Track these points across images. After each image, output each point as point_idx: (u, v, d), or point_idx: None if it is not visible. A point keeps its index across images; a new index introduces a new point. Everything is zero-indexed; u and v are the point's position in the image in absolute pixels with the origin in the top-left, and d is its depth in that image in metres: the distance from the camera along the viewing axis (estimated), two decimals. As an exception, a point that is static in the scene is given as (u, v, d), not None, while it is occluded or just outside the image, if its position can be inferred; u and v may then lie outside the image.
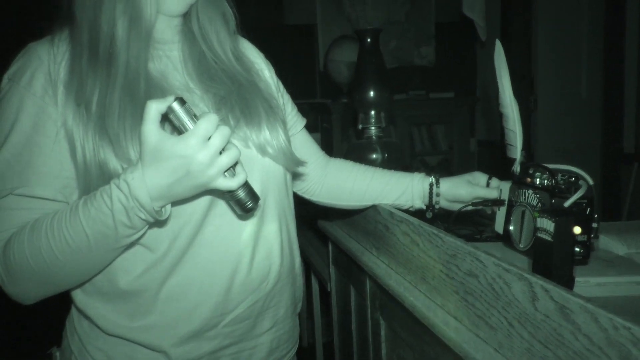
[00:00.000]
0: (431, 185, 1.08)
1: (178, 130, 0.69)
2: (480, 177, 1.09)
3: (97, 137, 0.74)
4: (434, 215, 1.10)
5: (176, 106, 0.68)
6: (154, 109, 0.67)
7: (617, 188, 3.29)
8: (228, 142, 0.69)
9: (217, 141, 0.68)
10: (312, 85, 3.76)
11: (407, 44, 3.89)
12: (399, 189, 1.08)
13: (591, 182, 0.91)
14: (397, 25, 3.86)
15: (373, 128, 1.38)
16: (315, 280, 2.03)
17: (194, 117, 0.69)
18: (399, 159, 1.38)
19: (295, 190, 1.10)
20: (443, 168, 3.88)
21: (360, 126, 1.40)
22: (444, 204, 1.09)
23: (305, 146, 1.07)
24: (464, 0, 2.68)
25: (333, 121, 3.42)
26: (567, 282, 0.73)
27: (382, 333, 1.15)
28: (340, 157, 1.17)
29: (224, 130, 0.69)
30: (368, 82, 1.35)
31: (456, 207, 1.09)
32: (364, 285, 1.23)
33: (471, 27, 3.03)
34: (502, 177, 1.12)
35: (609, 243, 1.00)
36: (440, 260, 0.84)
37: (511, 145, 1.14)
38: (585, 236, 0.85)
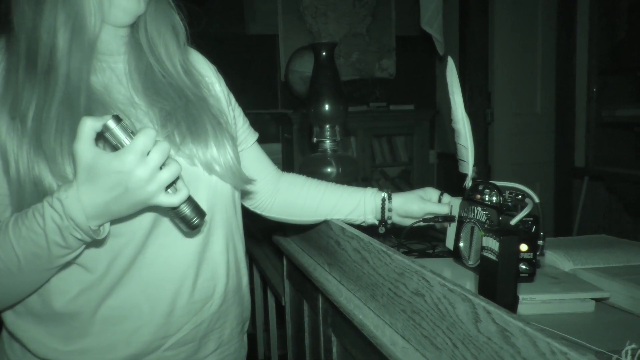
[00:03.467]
0: (383, 200, 1.08)
1: (115, 148, 0.67)
2: (432, 193, 1.10)
3: (32, 152, 0.70)
4: (387, 231, 1.10)
5: (112, 124, 0.65)
6: (88, 126, 0.64)
7: (569, 201, 3.39)
8: (168, 157, 0.67)
9: (156, 156, 0.65)
10: (273, 96, 3.74)
11: (369, 57, 3.93)
12: (351, 204, 1.08)
13: (537, 199, 0.92)
14: (358, 37, 3.89)
15: (328, 141, 1.38)
16: (271, 294, 2.01)
17: (132, 135, 0.66)
18: (354, 173, 1.38)
19: (246, 205, 1.08)
20: (403, 179, 3.93)
21: (315, 139, 1.39)
22: (396, 219, 1.09)
23: (257, 161, 1.05)
24: (423, 15, 2.73)
25: (294, 131, 3.41)
26: (512, 302, 0.73)
27: (334, 350, 1.14)
28: (298, 169, 1.16)
29: (163, 145, 0.66)
30: (323, 96, 1.35)
31: (408, 222, 1.09)
32: (316, 300, 1.22)
33: (431, 41, 3.09)
34: (459, 191, 1.13)
35: (556, 259, 1.02)
36: (388, 278, 0.83)
37: (463, 160, 1.15)
38: (532, 254, 0.86)
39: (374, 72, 3.93)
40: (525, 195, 0.95)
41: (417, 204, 1.07)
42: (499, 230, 0.77)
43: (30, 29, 0.73)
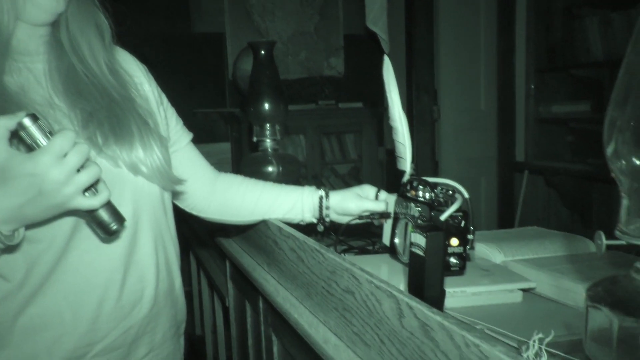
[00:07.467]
0: (321, 198, 1.08)
1: (31, 149, 0.64)
2: (369, 190, 1.11)
3: None
4: (327, 229, 1.11)
5: (27, 122, 0.63)
6: (1, 125, 0.61)
7: (512, 195, 3.51)
8: (88, 159, 0.65)
9: (73, 158, 0.63)
10: (221, 94, 3.70)
11: (317, 55, 3.94)
12: (288, 203, 1.07)
13: (467, 195, 0.94)
14: (306, 36, 3.89)
15: (268, 140, 1.37)
16: (216, 296, 1.98)
17: (49, 135, 0.64)
18: (295, 172, 1.37)
19: (182, 207, 1.06)
20: (353, 176, 3.96)
21: (255, 138, 1.38)
22: (334, 217, 1.09)
23: (191, 162, 1.03)
24: (368, 14, 2.76)
25: (242, 130, 3.39)
26: (439, 296, 0.75)
27: (275, 349, 1.14)
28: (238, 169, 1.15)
29: (82, 147, 0.64)
30: (262, 95, 1.34)
31: (346, 220, 1.10)
32: (257, 301, 1.21)
33: (378, 40, 3.12)
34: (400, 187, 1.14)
35: (488, 252, 1.05)
36: (322, 276, 0.83)
37: (401, 157, 1.16)
38: (462, 248, 0.88)
39: (323, 71, 3.95)
40: (455, 191, 0.97)
41: (353, 202, 1.08)
42: (426, 226, 0.78)
43: None
